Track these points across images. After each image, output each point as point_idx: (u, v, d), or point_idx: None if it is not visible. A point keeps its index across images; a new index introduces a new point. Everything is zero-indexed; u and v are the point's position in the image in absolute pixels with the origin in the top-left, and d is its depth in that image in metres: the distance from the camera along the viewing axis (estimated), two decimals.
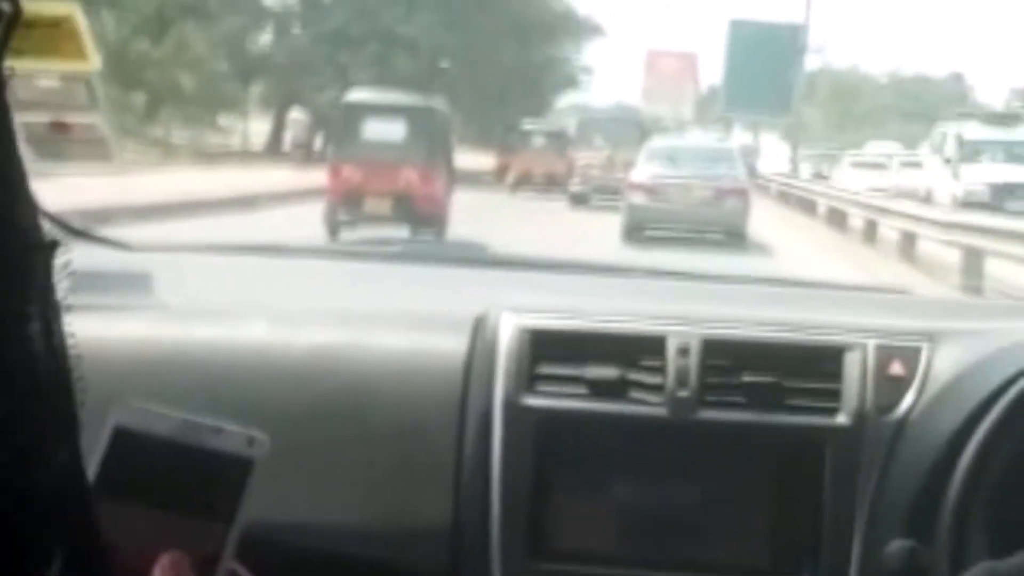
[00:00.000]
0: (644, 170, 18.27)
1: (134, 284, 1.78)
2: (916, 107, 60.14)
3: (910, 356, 1.65)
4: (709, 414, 1.60)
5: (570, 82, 46.64)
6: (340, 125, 16.11)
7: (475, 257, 2.35)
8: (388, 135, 15.54)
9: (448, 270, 2.28)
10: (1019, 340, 1.64)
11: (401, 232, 15.29)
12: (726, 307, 1.83)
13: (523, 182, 26.51)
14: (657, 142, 20.66)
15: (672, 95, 59.86)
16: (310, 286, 2.00)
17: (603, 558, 1.61)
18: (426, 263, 2.39)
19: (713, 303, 1.90)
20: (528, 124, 29.84)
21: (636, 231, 17.22)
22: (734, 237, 17.29)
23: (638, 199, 17.62)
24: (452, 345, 1.66)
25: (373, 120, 15.66)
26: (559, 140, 28.10)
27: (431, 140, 15.80)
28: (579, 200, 23.55)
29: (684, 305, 1.82)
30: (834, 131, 59.43)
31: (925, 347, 1.66)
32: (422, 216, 15.38)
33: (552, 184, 26.16)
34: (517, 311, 1.67)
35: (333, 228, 15.26)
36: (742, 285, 2.25)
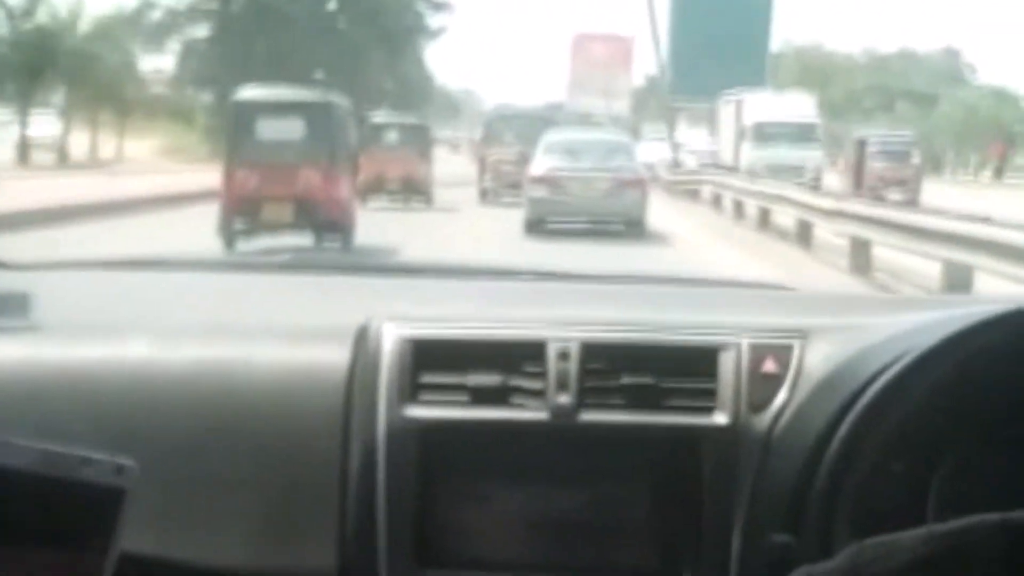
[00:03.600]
0: (543, 163, 18.98)
1: (11, 304, 1.79)
2: (905, 87, 52.11)
3: (783, 353, 1.73)
4: (589, 417, 1.67)
5: (417, 23, 37.06)
6: (231, 126, 15.41)
7: (358, 265, 2.52)
8: (285, 134, 14.99)
9: (331, 279, 2.40)
10: (891, 335, 1.69)
11: (303, 240, 14.60)
12: (606, 309, 1.93)
13: (373, 189, 21.79)
14: (554, 135, 21.30)
15: (604, 86, 55.19)
16: (192, 300, 2.06)
17: (490, 564, 1.68)
18: (309, 272, 2.50)
19: (593, 305, 2.01)
20: (379, 116, 25.45)
21: (538, 223, 18.06)
22: (633, 227, 18.27)
23: (539, 192, 18.51)
24: (334, 357, 1.72)
25: (267, 119, 15.05)
26: (419, 135, 24.60)
27: (332, 138, 15.28)
28: (486, 196, 24.12)
29: (564, 308, 1.93)
30: None
31: (797, 344, 1.74)
32: (326, 221, 14.80)
33: (411, 192, 23.08)
34: (398, 320, 1.74)
35: (229, 238, 14.62)
36: (622, 285, 2.37)
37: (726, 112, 30.80)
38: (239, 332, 1.79)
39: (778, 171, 23.84)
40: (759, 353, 1.71)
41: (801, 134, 26.56)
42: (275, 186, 14.54)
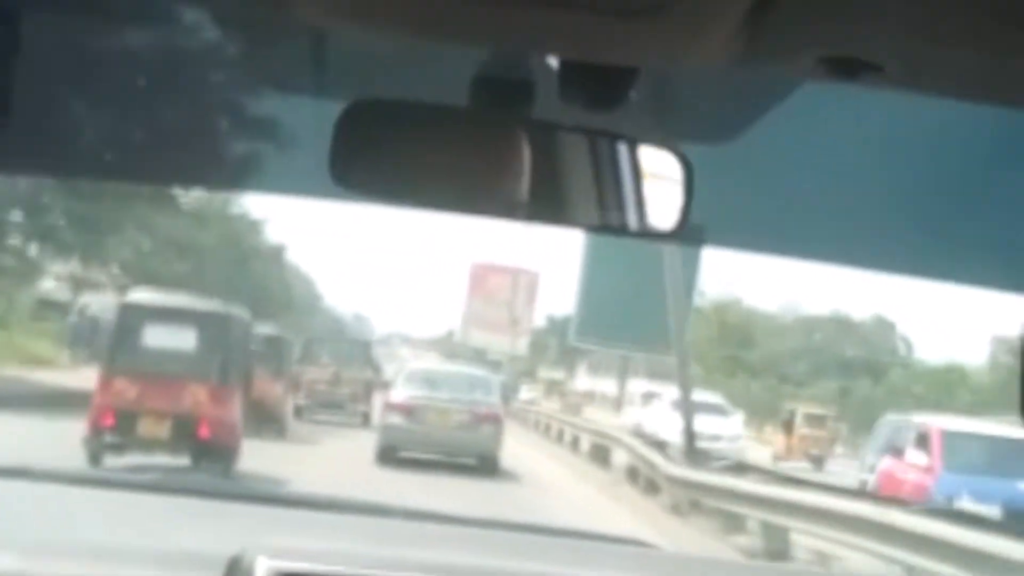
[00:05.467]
0: (402, 391, 19.15)
1: None
2: (833, 359, 46.36)
3: None
4: None
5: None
6: (116, 330, 14.29)
7: (232, 491, 2.47)
8: (174, 344, 13.78)
9: (207, 503, 2.43)
10: None
11: (179, 462, 13.27)
12: (472, 555, 2.09)
13: None
14: (416, 365, 22.40)
15: (502, 321, 53.41)
16: (62, 516, 2.09)
17: None
18: (183, 495, 2.48)
19: (460, 550, 2.14)
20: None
21: (391, 452, 17.99)
22: (486, 463, 18.19)
23: (395, 419, 18.43)
24: None
25: (157, 326, 14.02)
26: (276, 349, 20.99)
27: (226, 353, 14.30)
28: (301, 413, 24.41)
29: (433, 551, 2.05)
30: (723, 383, 40.29)
31: None
32: (208, 444, 13.50)
33: (261, 420, 17.44)
34: (272, 554, 1.77)
35: (95, 453, 13.24)
36: (495, 531, 2.55)
37: None
38: (108, 555, 1.81)
39: None
40: None
41: None
42: (155, 398, 13.48)
